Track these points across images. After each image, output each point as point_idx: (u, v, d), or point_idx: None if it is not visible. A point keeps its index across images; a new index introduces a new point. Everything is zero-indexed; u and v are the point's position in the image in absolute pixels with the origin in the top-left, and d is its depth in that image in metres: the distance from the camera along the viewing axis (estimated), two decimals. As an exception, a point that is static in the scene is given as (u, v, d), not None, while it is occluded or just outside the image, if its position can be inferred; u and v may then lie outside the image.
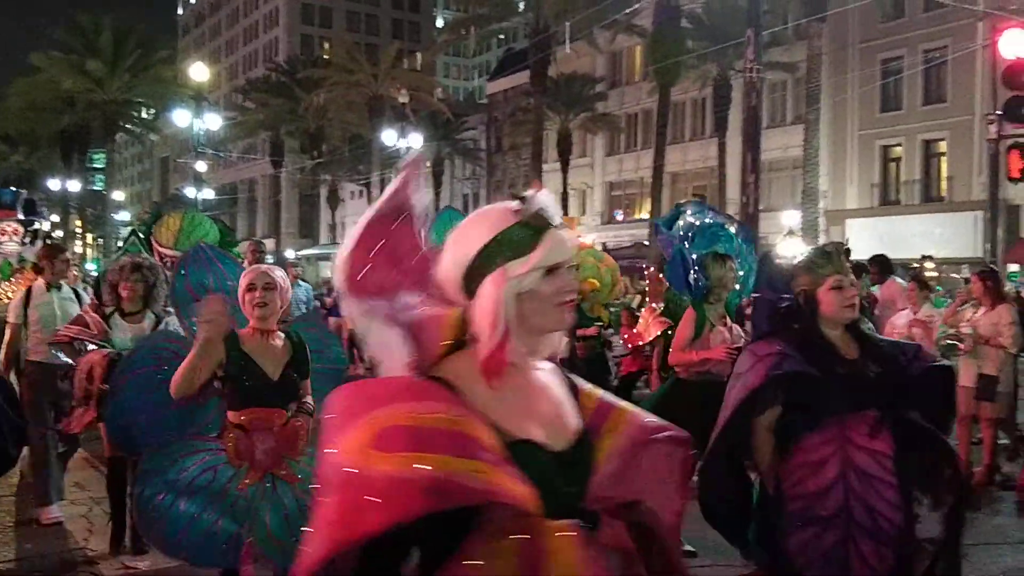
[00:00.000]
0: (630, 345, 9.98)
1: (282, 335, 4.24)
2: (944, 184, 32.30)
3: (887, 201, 33.84)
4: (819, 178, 29.94)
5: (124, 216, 79.75)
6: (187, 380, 3.96)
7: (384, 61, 49.51)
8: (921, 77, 32.02)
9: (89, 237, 65.11)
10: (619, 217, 47.02)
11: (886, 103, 33.61)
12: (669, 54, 33.03)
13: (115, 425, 4.60)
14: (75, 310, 7.01)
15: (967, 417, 8.21)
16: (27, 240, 22.83)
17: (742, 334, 6.05)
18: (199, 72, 39.00)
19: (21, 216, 25.29)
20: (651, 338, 8.97)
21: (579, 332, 9.25)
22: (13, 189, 30.46)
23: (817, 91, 28.12)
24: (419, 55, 67.10)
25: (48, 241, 26.35)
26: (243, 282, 4.13)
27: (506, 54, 61.77)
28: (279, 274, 4.31)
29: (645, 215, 39.81)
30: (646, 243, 35.46)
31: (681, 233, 6.13)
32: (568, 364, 7.25)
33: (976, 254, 26.61)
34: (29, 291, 7.19)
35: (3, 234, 22.44)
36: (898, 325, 8.74)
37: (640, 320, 9.74)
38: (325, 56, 61.90)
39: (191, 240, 7.66)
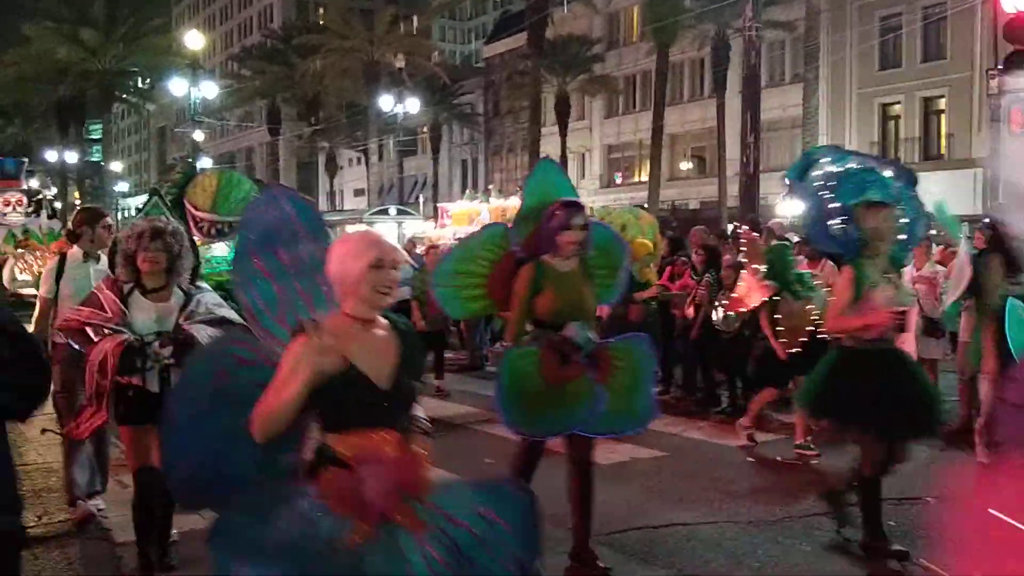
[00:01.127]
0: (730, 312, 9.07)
1: (384, 322, 3.11)
2: (944, 142, 32.20)
3: (887, 159, 33.73)
4: (818, 137, 29.86)
5: (123, 187, 79.55)
6: (278, 420, 2.93)
7: (380, 26, 49.07)
8: (920, 34, 31.82)
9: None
10: (618, 180, 46.91)
11: (885, 60, 33.42)
12: (667, 14, 32.85)
13: (176, 474, 3.31)
14: None
15: (970, 377, 8.21)
16: (31, 211, 22.50)
17: (912, 292, 5.57)
18: (194, 40, 38.70)
19: (25, 186, 24.78)
20: (754, 305, 8.23)
21: (635, 295, 8.97)
22: (15, 159, 29.77)
23: (816, 49, 27.99)
24: (415, 19, 66.50)
25: (52, 210, 25.82)
26: (363, 258, 2.99)
27: (503, 16, 61.32)
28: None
29: (644, 177, 39.73)
30: (645, 206, 35.39)
31: (820, 183, 5.54)
32: (618, 326, 7.25)
33: (976, 211, 26.59)
34: (63, 260, 6.35)
35: (7, 204, 21.98)
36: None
37: (740, 284, 8.68)
38: (320, 22, 61.36)
39: (230, 202, 7.19)
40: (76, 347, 5.27)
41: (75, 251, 6.40)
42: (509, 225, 5.28)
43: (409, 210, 37.23)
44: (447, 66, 60.63)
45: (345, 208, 55.07)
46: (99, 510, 6.13)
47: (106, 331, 4.80)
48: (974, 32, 29.88)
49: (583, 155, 47.95)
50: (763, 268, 8.13)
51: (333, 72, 48.80)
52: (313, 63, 48.67)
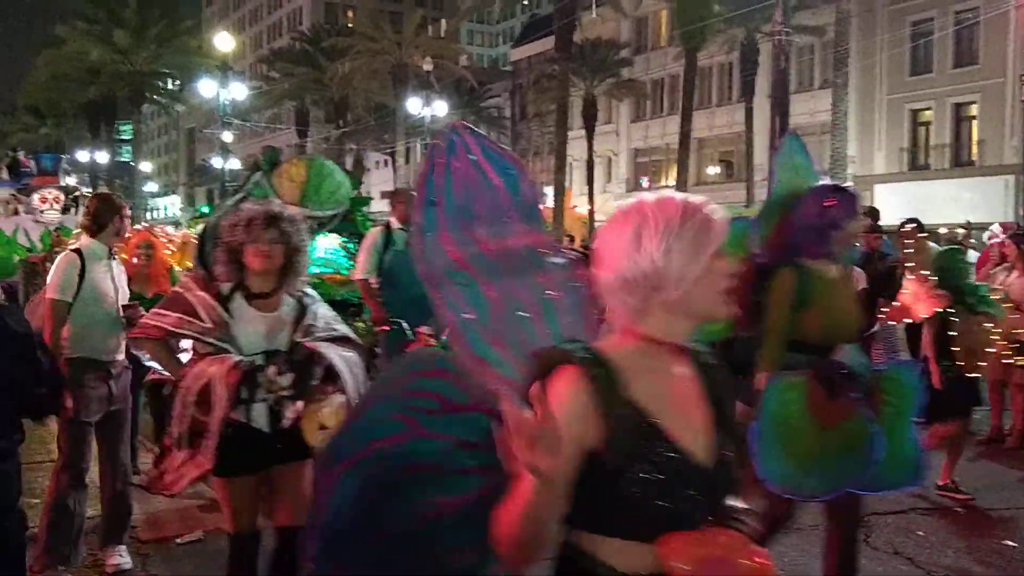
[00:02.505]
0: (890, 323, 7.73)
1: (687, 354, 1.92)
2: (975, 148, 31.87)
3: (916, 166, 33.45)
4: (847, 143, 29.62)
5: (151, 187, 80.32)
6: (540, 527, 1.74)
7: (408, 29, 49.28)
8: (952, 39, 31.51)
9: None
10: (645, 184, 46.75)
11: (915, 66, 33.13)
12: (695, 18, 32.72)
13: (327, 561, 2.15)
14: (123, 288, 5.24)
15: (998, 381, 8.17)
16: (69, 207, 22.35)
17: None
18: (224, 42, 38.99)
19: (64, 182, 24.60)
20: (923, 316, 6.92)
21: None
22: (54, 155, 29.60)
23: (845, 54, 27.75)
24: (443, 22, 66.67)
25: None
26: (701, 245, 1.80)
27: (531, 20, 61.41)
28: None
29: (671, 182, 39.59)
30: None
31: None
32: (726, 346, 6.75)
33: (1007, 219, 26.30)
34: (80, 256, 4.98)
35: (44, 201, 21.64)
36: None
37: (905, 291, 7.37)
38: (349, 25, 61.72)
39: (320, 194, 6.48)
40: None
41: (94, 245, 5.07)
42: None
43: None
44: (475, 69, 60.80)
45: (372, 211, 55.20)
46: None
47: (198, 345, 3.72)
48: (1007, 38, 29.57)
49: (609, 159, 47.87)
50: (932, 276, 7.12)
51: (361, 75, 49.05)
52: (342, 65, 48.94)
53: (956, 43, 31.69)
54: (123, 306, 5.11)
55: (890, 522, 5.99)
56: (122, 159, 60.37)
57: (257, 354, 3.66)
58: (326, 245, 7.95)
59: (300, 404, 3.65)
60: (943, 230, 12.54)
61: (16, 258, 18.87)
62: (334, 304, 7.95)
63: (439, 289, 2.06)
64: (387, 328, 6.91)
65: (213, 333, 3.63)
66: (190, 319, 3.65)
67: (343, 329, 3.88)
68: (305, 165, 6.65)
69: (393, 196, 7.81)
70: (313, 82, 52.77)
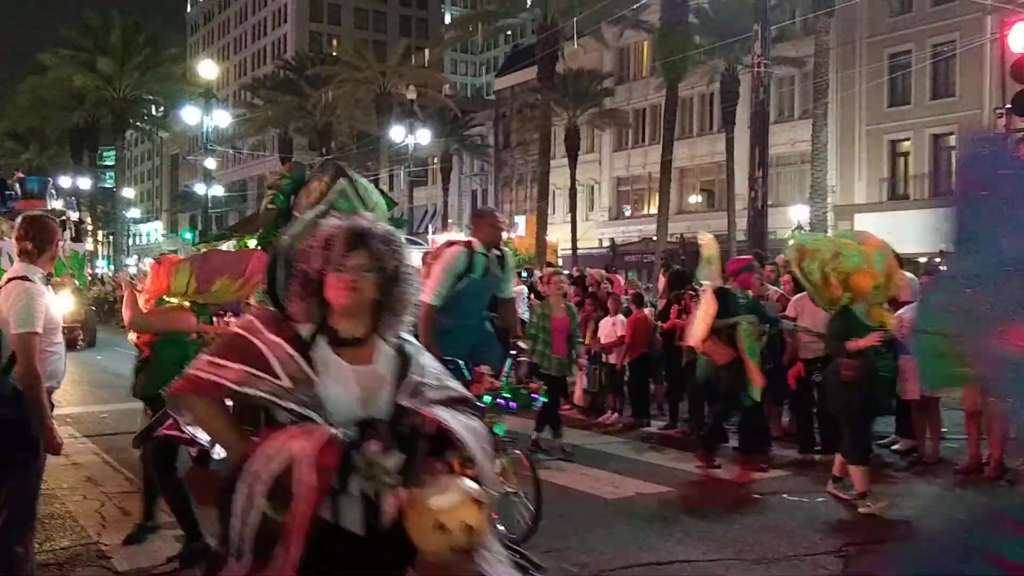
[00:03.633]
0: None
1: None
2: (953, 178, 32.19)
3: (895, 195, 33.76)
4: (827, 173, 29.87)
5: (135, 213, 80.00)
6: None
7: (392, 58, 49.53)
8: (929, 71, 31.94)
9: (100, 234, 65.41)
10: (627, 212, 47.01)
11: (894, 97, 33.54)
12: (676, 49, 33.00)
13: None
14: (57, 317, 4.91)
15: (975, 412, 8.22)
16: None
17: None
18: (208, 69, 39.11)
19: (51, 206, 23.99)
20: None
21: (849, 345, 6.95)
22: (40, 177, 28.90)
23: (825, 86, 28.06)
24: (427, 51, 67.09)
25: (77, 232, 24.66)
26: None
27: (514, 50, 61.80)
28: None
29: (653, 210, 39.78)
30: (654, 238, 35.44)
31: None
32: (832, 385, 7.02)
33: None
34: (26, 283, 4.64)
35: None
36: (907, 319, 8.68)
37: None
38: (333, 53, 61.97)
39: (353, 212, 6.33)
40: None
41: (37, 272, 4.75)
42: None
43: (418, 240, 37.32)
44: (458, 98, 61.10)
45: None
46: None
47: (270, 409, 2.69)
48: (983, 70, 29.98)
49: (592, 187, 48.09)
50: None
51: (345, 102, 49.22)
52: (325, 93, 49.10)
53: (933, 75, 32.12)
54: (66, 327, 5.15)
55: (867, 552, 6.01)
56: (105, 185, 60.19)
57: (351, 423, 2.63)
58: None
59: (407, 493, 2.58)
60: (923, 259, 12.68)
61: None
62: None
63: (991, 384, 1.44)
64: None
65: (293, 394, 2.59)
66: (259, 373, 2.60)
67: (456, 386, 2.90)
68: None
69: (478, 217, 6.72)
70: (297, 109, 52.89)
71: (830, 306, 7.31)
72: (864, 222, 32.19)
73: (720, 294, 8.27)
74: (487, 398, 5.67)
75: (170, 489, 5.55)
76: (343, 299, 2.67)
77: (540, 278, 10.04)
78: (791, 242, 7.36)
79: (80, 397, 13.31)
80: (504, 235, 7.01)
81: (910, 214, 31.78)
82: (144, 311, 6.05)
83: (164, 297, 6.15)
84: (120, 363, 17.07)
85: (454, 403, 2.80)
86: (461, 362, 5.65)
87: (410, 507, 2.55)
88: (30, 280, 4.67)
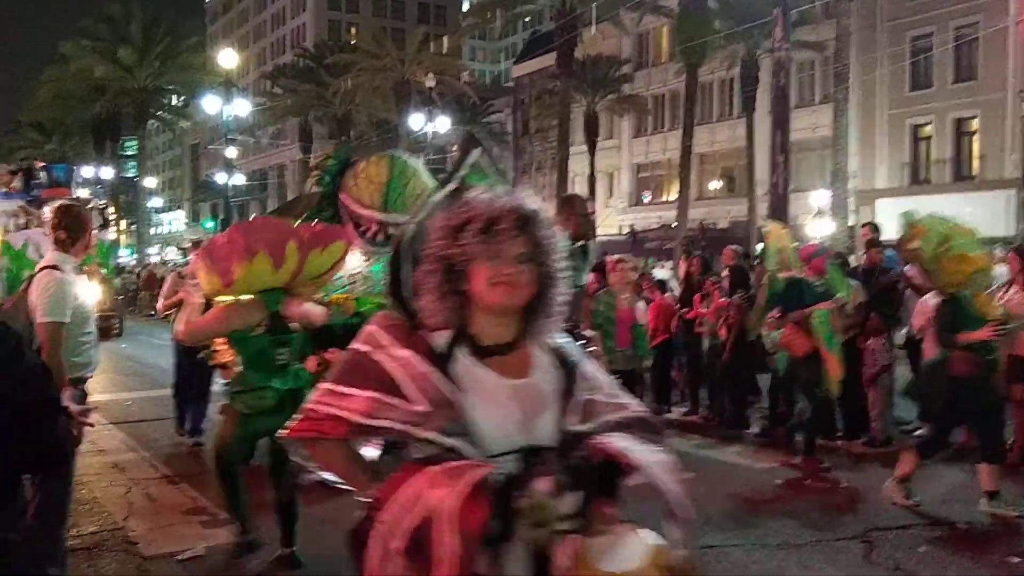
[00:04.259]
0: None
1: None
2: (976, 163, 31.92)
3: (917, 180, 33.50)
4: (848, 158, 29.68)
5: (156, 202, 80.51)
6: None
7: (411, 45, 49.50)
8: (952, 54, 31.63)
9: (123, 224, 65.91)
10: (647, 199, 46.87)
11: (916, 81, 33.23)
12: (696, 34, 32.83)
13: None
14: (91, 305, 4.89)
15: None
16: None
17: None
18: (228, 59, 39.11)
19: (76, 194, 23.87)
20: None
21: (960, 337, 6.50)
22: (66, 165, 28.52)
23: (846, 70, 27.84)
24: (445, 39, 66.96)
25: (104, 221, 24.59)
26: None
27: (532, 36, 61.58)
28: None
29: (673, 197, 39.65)
30: (674, 224, 35.34)
31: None
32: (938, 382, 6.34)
33: (1008, 233, 26.34)
34: (56, 272, 4.64)
35: None
36: (930, 305, 8.56)
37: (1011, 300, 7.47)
38: (352, 41, 62.02)
39: (404, 198, 5.51)
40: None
41: (69, 260, 4.77)
42: None
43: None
44: (477, 85, 61.03)
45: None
46: None
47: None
48: (1006, 53, 29.67)
49: (612, 174, 47.97)
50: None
51: (364, 91, 49.26)
52: (345, 82, 49.15)
53: (956, 58, 31.80)
54: (100, 316, 5.14)
55: (891, 538, 6.00)
56: (127, 175, 60.53)
57: (508, 455, 2.04)
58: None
59: (581, 541, 2.03)
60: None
61: (26, 273, 18.47)
62: None
63: None
64: None
65: (433, 423, 2.02)
66: (389, 399, 2.04)
67: (630, 401, 2.30)
68: (387, 163, 5.65)
69: (566, 205, 6.06)
70: (316, 98, 52.99)
71: (949, 289, 6.67)
72: (885, 207, 31.98)
73: (793, 284, 7.94)
74: None
75: (227, 481, 5.24)
76: (502, 297, 2.09)
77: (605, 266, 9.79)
78: (903, 220, 6.84)
79: (106, 385, 13.45)
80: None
81: (932, 199, 31.56)
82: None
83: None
84: (145, 351, 17.23)
85: (632, 424, 2.24)
86: None
87: (581, 566, 1.99)
88: (61, 270, 4.66)
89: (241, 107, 40.05)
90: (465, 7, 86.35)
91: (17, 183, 23.30)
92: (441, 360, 2.11)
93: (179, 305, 8.65)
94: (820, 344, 7.78)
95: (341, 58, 51.26)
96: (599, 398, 2.24)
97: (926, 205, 32.07)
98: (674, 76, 39.35)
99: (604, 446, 2.13)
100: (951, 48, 31.34)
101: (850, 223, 27.42)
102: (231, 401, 5.16)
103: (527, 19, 64.90)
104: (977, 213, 29.32)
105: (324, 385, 2.15)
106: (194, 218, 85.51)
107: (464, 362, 2.12)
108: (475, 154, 2.55)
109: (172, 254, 62.50)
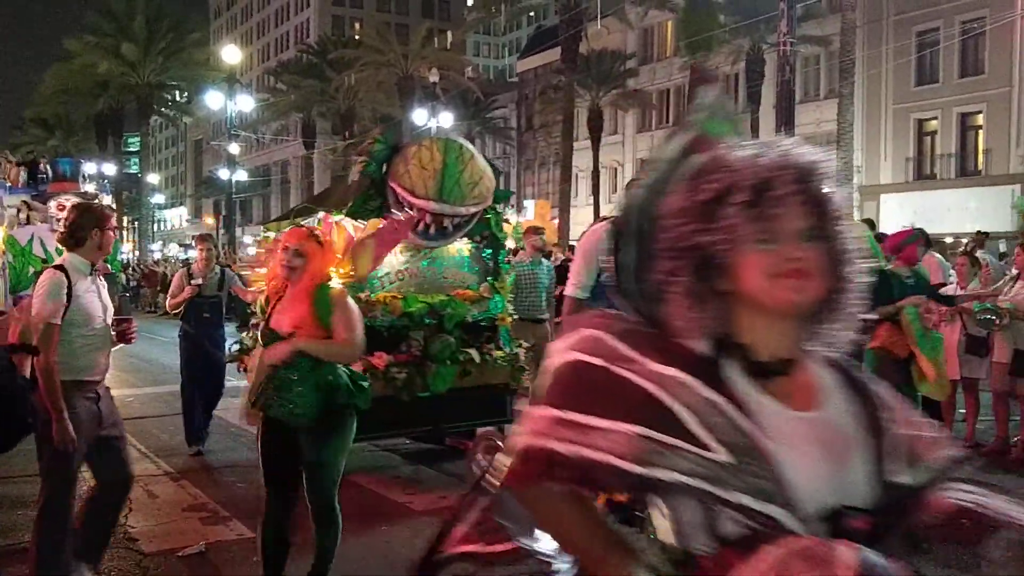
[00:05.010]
0: None
1: None
2: (981, 157, 31.82)
3: (922, 175, 33.39)
4: (853, 153, 29.59)
5: (159, 199, 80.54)
6: None
7: (414, 40, 49.45)
8: (957, 49, 31.49)
9: (125, 220, 65.96)
10: (651, 194, 46.79)
11: (921, 76, 33.10)
12: (701, 29, 32.77)
13: None
14: (109, 304, 4.82)
15: (1003, 393, 8.14)
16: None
17: None
18: (231, 54, 39.19)
19: (83, 189, 23.53)
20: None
21: None
22: (72, 159, 27.99)
23: (851, 65, 27.75)
24: (449, 34, 67.01)
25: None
26: None
27: (536, 31, 61.51)
28: None
29: (677, 192, 39.56)
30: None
31: None
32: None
33: (1013, 228, 26.25)
34: (66, 274, 4.56)
35: (61, 209, 20.10)
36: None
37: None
38: (356, 37, 61.99)
39: (461, 187, 5.03)
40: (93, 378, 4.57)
41: (76, 261, 4.63)
42: None
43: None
44: (481, 80, 60.94)
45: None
46: None
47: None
48: (1013, 47, 29.53)
49: (615, 169, 47.87)
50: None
51: (367, 86, 49.22)
52: (348, 77, 49.11)
53: (962, 53, 31.66)
54: (115, 320, 4.82)
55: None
56: (130, 171, 60.55)
57: (814, 520, 1.43)
58: (453, 253, 6.62)
59: None
60: (949, 239, 12.54)
61: (31, 270, 18.11)
62: (465, 328, 6.32)
63: None
64: None
65: (740, 476, 1.39)
66: (667, 438, 1.40)
67: (940, 432, 1.68)
68: (441, 147, 5.20)
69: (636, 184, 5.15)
70: (320, 94, 52.97)
71: None
72: (890, 203, 31.93)
73: (881, 277, 7.00)
74: None
75: None
76: (791, 293, 1.47)
77: None
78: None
79: (107, 381, 13.42)
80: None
81: (937, 194, 31.47)
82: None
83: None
84: (146, 348, 17.20)
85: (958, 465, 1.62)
86: None
87: None
88: (63, 270, 4.59)
89: (244, 103, 40.10)
90: (469, 2, 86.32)
91: (21, 178, 23.21)
92: (719, 383, 1.47)
93: (188, 301, 8.67)
94: (911, 343, 6.95)
95: (344, 53, 51.21)
96: (915, 432, 1.59)
97: (931, 200, 32.15)
98: (679, 71, 39.31)
99: (952, 502, 1.57)
100: (957, 42, 31.21)
101: (855, 218, 27.35)
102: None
103: (531, 14, 64.88)
104: (982, 208, 29.32)
105: (541, 412, 1.48)
106: (196, 214, 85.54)
107: (741, 386, 1.48)
108: (711, 92, 1.77)
109: (174, 250, 62.55)
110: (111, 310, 4.83)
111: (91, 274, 4.67)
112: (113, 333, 4.84)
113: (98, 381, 4.79)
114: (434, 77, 42.69)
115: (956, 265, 9.10)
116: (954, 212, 29.04)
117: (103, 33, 50.46)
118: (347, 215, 5.54)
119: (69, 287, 4.48)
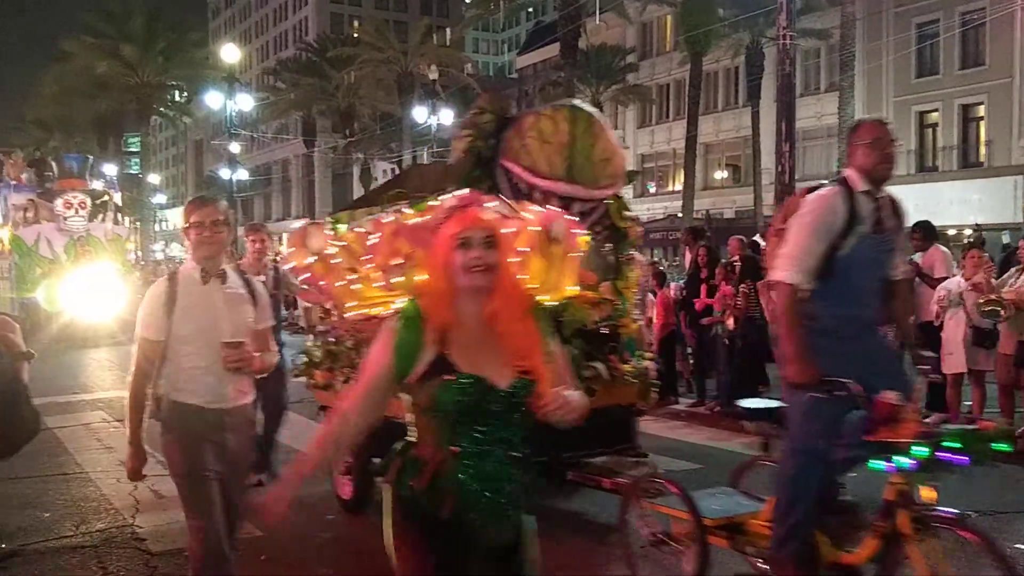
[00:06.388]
0: None
1: None
2: (983, 149, 31.78)
3: (924, 168, 33.36)
4: (854, 146, 29.56)
5: (160, 199, 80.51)
6: None
7: (413, 38, 49.41)
8: (958, 40, 31.45)
9: (127, 220, 65.94)
10: (652, 189, 46.75)
11: (922, 68, 33.07)
12: (700, 23, 32.73)
13: None
14: (247, 313, 3.96)
15: (1009, 385, 8.13)
16: (97, 213, 19.87)
17: None
18: (230, 54, 39.09)
19: (91, 186, 22.44)
20: None
21: None
22: (80, 155, 26.32)
23: (851, 58, 27.71)
24: (448, 31, 66.86)
25: (119, 216, 23.33)
26: None
27: (536, 27, 61.50)
28: None
29: (678, 187, 39.55)
30: (679, 215, 35.24)
31: None
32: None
33: (1015, 219, 26.23)
34: (173, 284, 3.90)
35: (69, 207, 19.18)
36: (952, 289, 8.50)
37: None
38: (355, 34, 61.92)
39: (592, 164, 4.12)
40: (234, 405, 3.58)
41: (192, 268, 3.93)
42: None
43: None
44: (480, 77, 60.92)
45: (379, 219, 55.30)
46: None
47: None
48: (1013, 38, 29.49)
49: (616, 165, 47.92)
50: None
51: (367, 84, 49.22)
52: (348, 75, 49.10)
53: (962, 44, 31.61)
54: (224, 343, 3.82)
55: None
56: (131, 171, 60.52)
57: None
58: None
59: None
60: (951, 231, 12.51)
61: (38, 271, 17.62)
62: (586, 337, 4.93)
63: None
64: (817, 392, 3.63)
65: None
66: None
67: None
68: (567, 116, 4.23)
69: (860, 131, 3.91)
70: (319, 92, 52.96)
71: None
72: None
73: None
74: (920, 450, 3.59)
75: None
76: None
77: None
78: None
79: (113, 382, 13.44)
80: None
81: (939, 186, 31.42)
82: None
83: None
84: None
85: None
86: (849, 382, 3.55)
87: None
88: (166, 279, 4.08)
89: (244, 102, 40.04)
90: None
91: (27, 176, 22.84)
92: None
93: None
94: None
95: (344, 51, 51.17)
96: None
97: (933, 192, 32.15)
98: (679, 65, 39.27)
99: None
100: (958, 34, 31.16)
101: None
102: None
103: (530, 10, 64.83)
104: (984, 200, 29.29)
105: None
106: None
107: None
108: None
109: (176, 250, 62.55)
110: (239, 323, 4.15)
111: (206, 283, 3.98)
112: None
113: (216, 410, 4.10)
114: (433, 74, 42.70)
115: (969, 257, 9.00)
116: (956, 204, 29.00)
117: (102, 34, 50.40)
118: None
119: (174, 295, 3.96)
